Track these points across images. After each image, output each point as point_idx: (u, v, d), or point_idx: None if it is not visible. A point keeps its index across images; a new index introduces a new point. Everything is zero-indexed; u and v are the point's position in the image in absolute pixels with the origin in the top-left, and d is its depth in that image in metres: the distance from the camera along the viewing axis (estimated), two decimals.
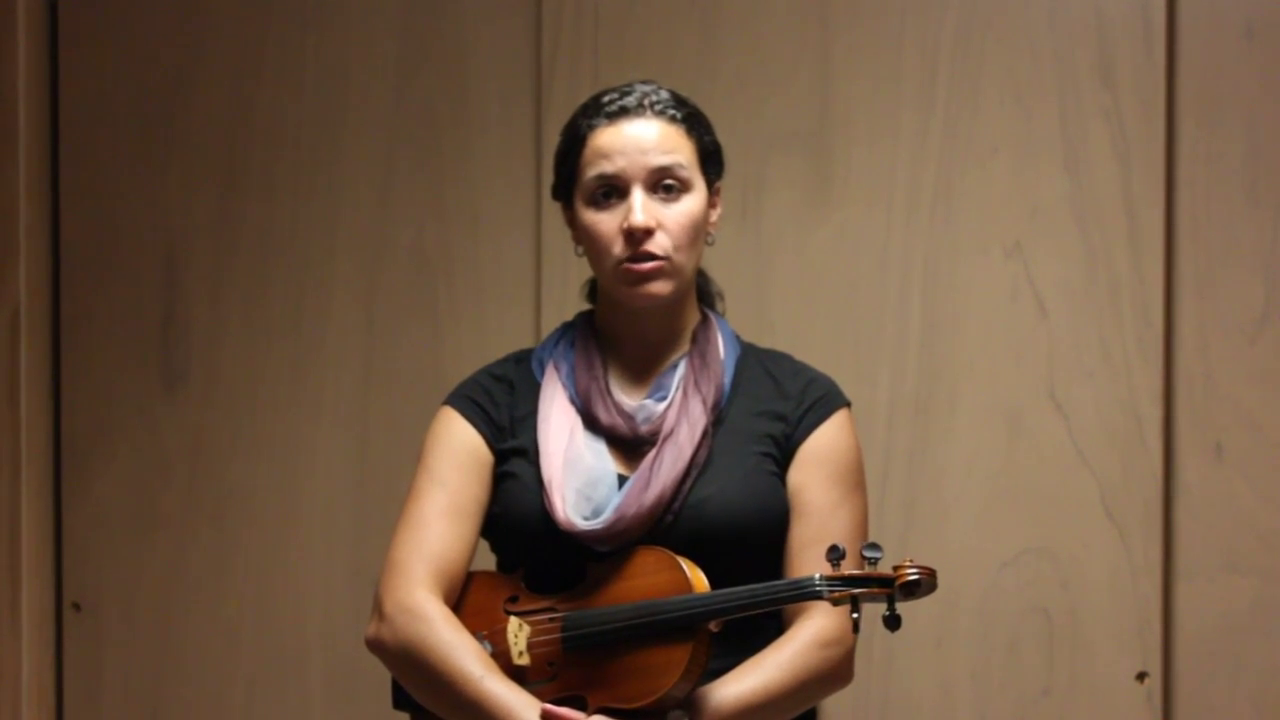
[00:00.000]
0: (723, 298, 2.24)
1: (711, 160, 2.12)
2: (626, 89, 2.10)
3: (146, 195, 3.07)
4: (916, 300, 2.74)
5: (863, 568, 1.87)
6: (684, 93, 2.14)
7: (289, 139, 3.01)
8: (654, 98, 2.08)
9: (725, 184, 2.18)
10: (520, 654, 1.98)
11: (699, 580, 1.94)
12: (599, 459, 2.05)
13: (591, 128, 2.07)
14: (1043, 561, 2.69)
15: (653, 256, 2.03)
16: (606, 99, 2.09)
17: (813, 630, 2.01)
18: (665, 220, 2.04)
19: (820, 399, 2.11)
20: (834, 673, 2.03)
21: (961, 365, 2.72)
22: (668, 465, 2.01)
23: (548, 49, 2.88)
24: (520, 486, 2.06)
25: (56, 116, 3.11)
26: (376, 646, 2.03)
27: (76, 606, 3.10)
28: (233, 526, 3.03)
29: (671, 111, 2.08)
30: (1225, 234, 2.63)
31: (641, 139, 2.05)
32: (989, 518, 2.71)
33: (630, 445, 2.06)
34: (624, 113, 2.06)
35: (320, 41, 3.00)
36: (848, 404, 2.14)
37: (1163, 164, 2.64)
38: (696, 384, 2.07)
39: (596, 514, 2.00)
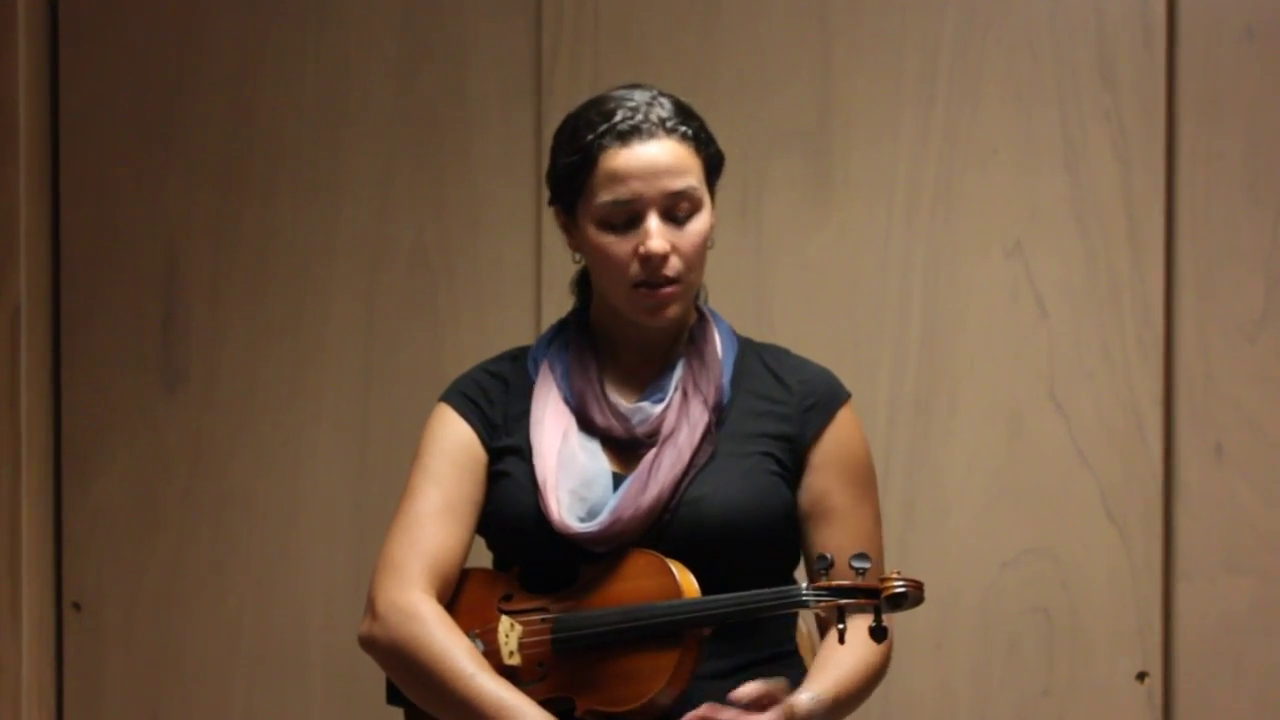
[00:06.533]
0: (705, 289, 2.19)
1: (715, 172, 2.10)
2: (630, 102, 2.03)
3: (146, 195, 3.07)
4: (916, 300, 2.74)
5: (852, 578, 1.86)
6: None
7: (289, 139, 3.01)
8: (662, 112, 2.03)
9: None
10: (511, 654, 1.98)
11: (689, 585, 1.94)
12: (593, 458, 2.04)
13: (602, 148, 2.01)
14: (1043, 561, 2.69)
15: (669, 281, 2.01)
16: (619, 117, 2.02)
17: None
18: (679, 243, 2.02)
19: (823, 396, 2.10)
20: (886, 667, 2.07)
21: (961, 365, 2.72)
22: (666, 467, 2.00)
23: (548, 49, 2.88)
24: (514, 486, 2.05)
25: (56, 116, 3.10)
26: (369, 645, 2.03)
27: (76, 606, 3.10)
28: (233, 526, 3.03)
29: (683, 129, 2.04)
30: (1225, 234, 2.63)
31: (656, 162, 2.01)
32: (989, 518, 2.71)
33: (625, 446, 2.05)
34: (636, 133, 2.01)
35: (320, 41, 3.00)
36: (849, 395, 2.13)
37: (1163, 164, 2.64)
38: (696, 384, 2.06)
39: (592, 515, 1.99)
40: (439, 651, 1.96)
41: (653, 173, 2.01)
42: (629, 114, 2.03)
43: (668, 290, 2.02)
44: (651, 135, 2.02)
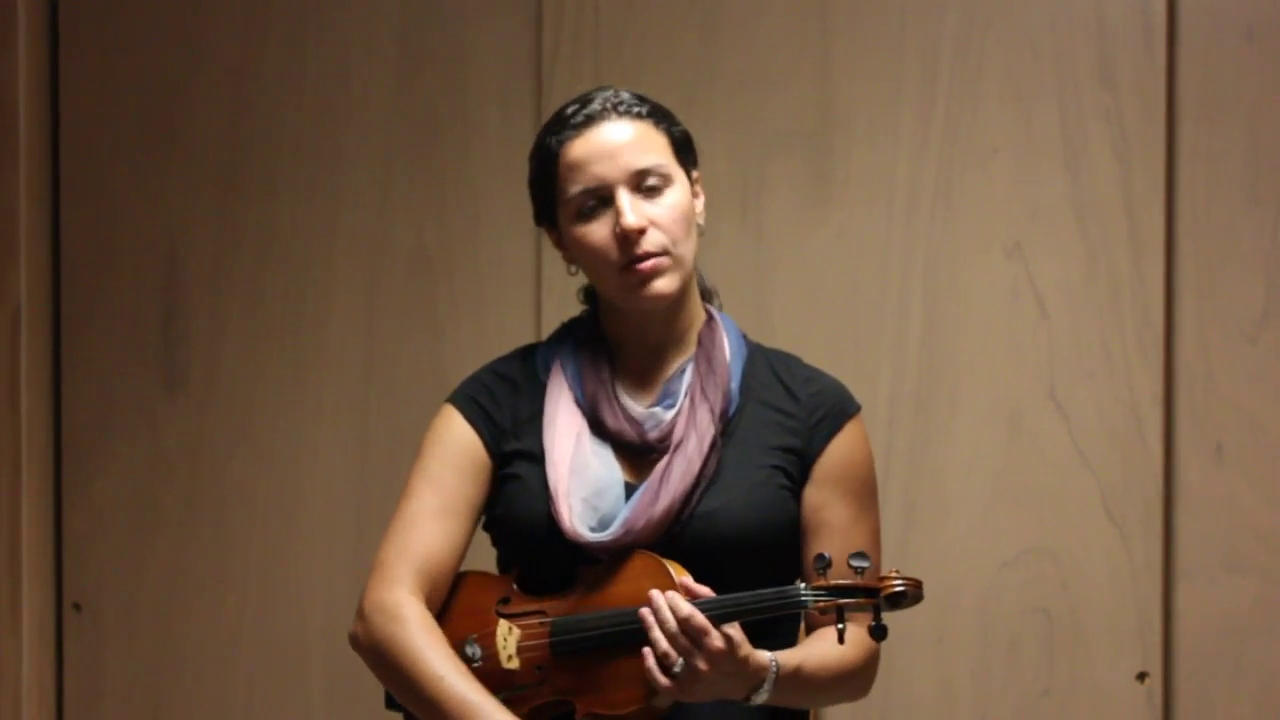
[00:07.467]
0: (718, 293, 2.22)
1: (685, 149, 2.10)
2: (585, 98, 2.07)
3: (146, 195, 3.07)
4: (916, 300, 2.74)
5: (850, 577, 1.86)
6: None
7: (289, 139, 3.01)
8: (615, 99, 2.05)
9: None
10: (510, 658, 1.98)
11: None
12: (606, 466, 2.03)
13: (561, 143, 2.04)
14: (1043, 561, 2.69)
15: (651, 254, 2.01)
16: (570, 111, 2.05)
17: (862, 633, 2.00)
18: (655, 216, 2.01)
19: (831, 409, 2.09)
20: (870, 677, 2.06)
21: (961, 365, 2.72)
22: (677, 477, 1.99)
23: (548, 49, 2.88)
24: (525, 490, 2.05)
25: (56, 117, 3.11)
26: (354, 644, 2.04)
27: (76, 606, 3.10)
28: (233, 526, 3.03)
29: (637, 109, 2.05)
30: (1225, 234, 2.63)
31: (614, 142, 2.02)
32: (989, 518, 2.71)
33: (637, 452, 2.04)
34: (590, 120, 2.03)
35: (320, 41, 3.00)
36: (858, 409, 2.12)
37: (1163, 164, 2.64)
38: (704, 391, 2.05)
39: (604, 525, 1.99)
40: (415, 654, 1.96)
41: (610, 153, 2.02)
42: (581, 106, 2.05)
43: (650, 263, 2.00)
44: (605, 119, 2.04)
